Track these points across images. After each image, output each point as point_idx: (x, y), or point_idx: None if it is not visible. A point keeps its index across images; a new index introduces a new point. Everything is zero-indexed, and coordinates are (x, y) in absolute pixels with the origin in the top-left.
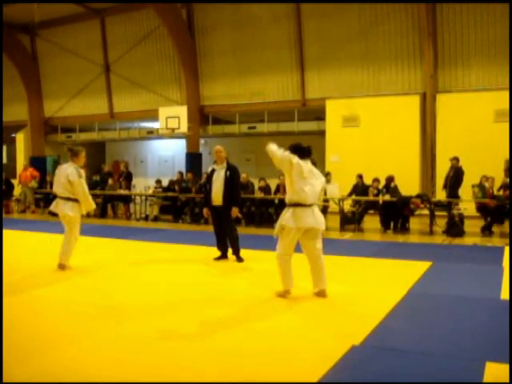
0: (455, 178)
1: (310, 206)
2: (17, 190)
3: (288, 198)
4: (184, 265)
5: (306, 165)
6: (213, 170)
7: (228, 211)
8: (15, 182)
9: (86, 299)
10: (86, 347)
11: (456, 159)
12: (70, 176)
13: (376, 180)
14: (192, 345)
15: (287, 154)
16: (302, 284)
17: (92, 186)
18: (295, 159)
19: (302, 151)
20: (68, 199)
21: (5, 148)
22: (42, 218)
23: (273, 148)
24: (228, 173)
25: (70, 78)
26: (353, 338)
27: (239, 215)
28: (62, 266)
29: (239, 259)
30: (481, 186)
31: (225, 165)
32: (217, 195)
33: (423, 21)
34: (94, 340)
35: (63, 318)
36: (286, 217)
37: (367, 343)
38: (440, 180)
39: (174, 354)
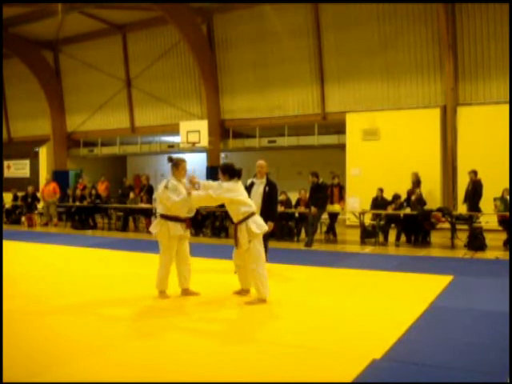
0: (474, 191)
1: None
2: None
3: (240, 213)
4: (206, 275)
5: (238, 184)
6: (252, 183)
7: None
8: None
9: (107, 311)
10: (108, 359)
11: (474, 172)
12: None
13: (397, 197)
14: (216, 352)
15: (218, 192)
16: (321, 298)
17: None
18: (221, 191)
19: (233, 173)
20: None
21: (28, 162)
22: (64, 231)
23: (199, 198)
24: (267, 188)
25: (92, 92)
26: (373, 352)
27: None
28: (160, 294)
29: None
30: (503, 198)
31: (264, 179)
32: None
33: (443, 33)
34: (118, 352)
35: (88, 330)
36: (252, 228)
37: (388, 357)
38: (461, 193)
39: (203, 361)
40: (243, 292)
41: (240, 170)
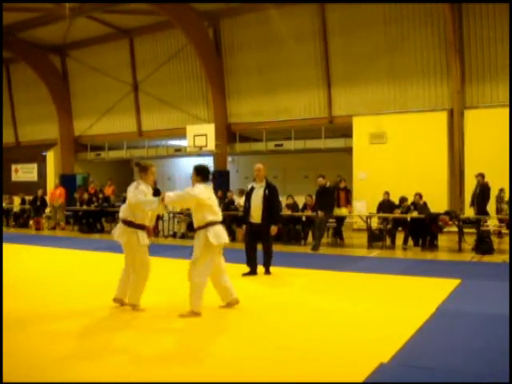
0: (482, 194)
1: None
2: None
3: (204, 219)
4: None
5: (209, 188)
6: (252, 188)
7: (267, 229)
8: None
9: (110, 315)
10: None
11: (481, 175)
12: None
13: (404, 199)
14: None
15: (189, 193)
16: (328, 301)
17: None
18: (197, 191)
19: (207, 176)
20: (124, 222)
21: (36, 166)
22: (71, 234)
23: (173, 198)
24: (267, 191)
25: (99, 97)
26: (381, 356)
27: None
28: (135, 307)
29: (268, 272)
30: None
31: (264, 183)
32: (256, 213)
33: (450, 36)
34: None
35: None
36: (209, 236)
37: (395, 361)
38: (468, 197)
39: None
40: (232, 303)
41: (212, 175)
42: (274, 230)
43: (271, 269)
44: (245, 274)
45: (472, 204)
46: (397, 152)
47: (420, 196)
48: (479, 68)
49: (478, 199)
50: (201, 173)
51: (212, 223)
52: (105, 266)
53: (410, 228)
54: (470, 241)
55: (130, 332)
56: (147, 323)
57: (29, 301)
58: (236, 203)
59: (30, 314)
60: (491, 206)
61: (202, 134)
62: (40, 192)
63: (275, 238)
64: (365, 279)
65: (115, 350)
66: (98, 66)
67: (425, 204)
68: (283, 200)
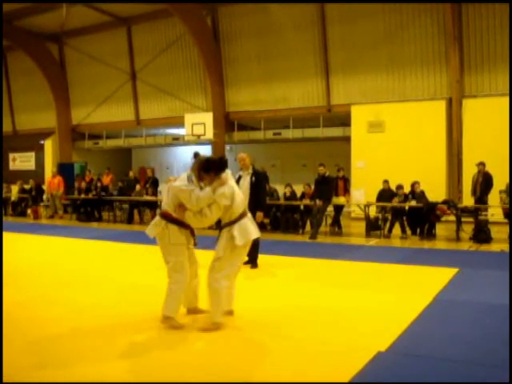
0: (485, 183)
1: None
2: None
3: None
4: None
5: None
6: (239, 177)
7: (253, 215)
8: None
9: (111, 307)
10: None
11: (482, 164)
12: None
13: (400, 187)
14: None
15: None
16: (325, 290)
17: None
18: (224, 189)
19: (217, 166)
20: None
21: (33, 154)
22: (69, 223)
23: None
24: (253, 178)
25: (97, 85)
26: (378, 344)
27: (264, 221)
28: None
29: (254, 265)
30: (508, 191)
31: (250, 170)
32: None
33: (448, 25)
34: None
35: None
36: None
37: (393, 349)
38: (467, 186)
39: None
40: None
41: (223, 160)
42: (259, 216)
43: (268, 259)
44: (244, 263)
45: (474, 193)
46: (395, 141)
47: (418, 184)
48: (478, 57)
49: (482, 188)
50: (212, 168)
51: (242, 215)
52: (103, 254)
53: (408, 217)
54: (467, 230)
55: (132, 331)
56: (150, 322)
57: (27, 294)
58: None
59: (29, 310)
60: (491, 195)
61: (200, 122)
62: (32, 182)
63: (260, 225)
64: (362, 268)
65: (116, 349)
66: (95, 54)
67: (422, 193)
68: (281, 189)
